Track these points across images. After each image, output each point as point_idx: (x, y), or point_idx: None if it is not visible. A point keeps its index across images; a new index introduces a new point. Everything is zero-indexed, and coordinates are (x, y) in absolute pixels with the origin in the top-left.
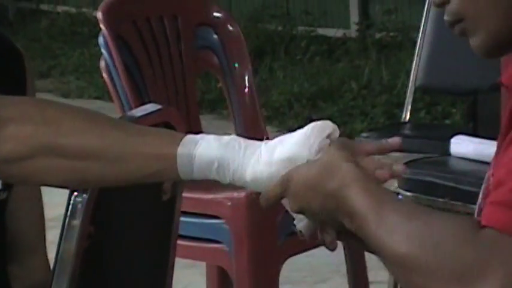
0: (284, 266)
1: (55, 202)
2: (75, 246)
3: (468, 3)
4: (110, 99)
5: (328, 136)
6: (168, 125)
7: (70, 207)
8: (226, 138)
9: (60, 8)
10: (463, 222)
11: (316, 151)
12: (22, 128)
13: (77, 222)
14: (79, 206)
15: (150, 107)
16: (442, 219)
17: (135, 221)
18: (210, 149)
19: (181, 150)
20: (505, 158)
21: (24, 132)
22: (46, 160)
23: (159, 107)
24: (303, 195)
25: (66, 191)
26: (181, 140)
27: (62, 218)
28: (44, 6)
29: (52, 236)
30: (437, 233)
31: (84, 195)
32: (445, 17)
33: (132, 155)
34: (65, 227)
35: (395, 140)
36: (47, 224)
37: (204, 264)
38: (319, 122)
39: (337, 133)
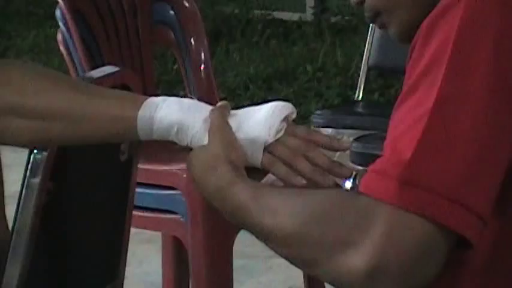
0: (238, 241)
1: (11, 179)
2: (35, 202)
3: None
4: None
5: (286, 118)
6: (125, 87)
7: (30, 164)
8: (187, 101)
9: None
10: (339, 192)
11: (274, 133)
12: None
13: (36, 179)
14: (39, 162)
15: (108, 69)
16: (319, 194)
17: (93, 179)
18: (170, 112)
19: (142, 113)
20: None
21: None
22: (10, 120)
23: (116, 68)
24: (197, 184)
25: (22, 169)
26: (142, 103)
27: (17, 195)
28: None
29: (8, 212)
30: (317, 205)
31: (44, 153)
32: (365, 14)
33: (94, 116)
34: (25, 183)
35: (345, 142)
36: None
37: (159, 240)
38: (280, 103)
39: (294, 115)
